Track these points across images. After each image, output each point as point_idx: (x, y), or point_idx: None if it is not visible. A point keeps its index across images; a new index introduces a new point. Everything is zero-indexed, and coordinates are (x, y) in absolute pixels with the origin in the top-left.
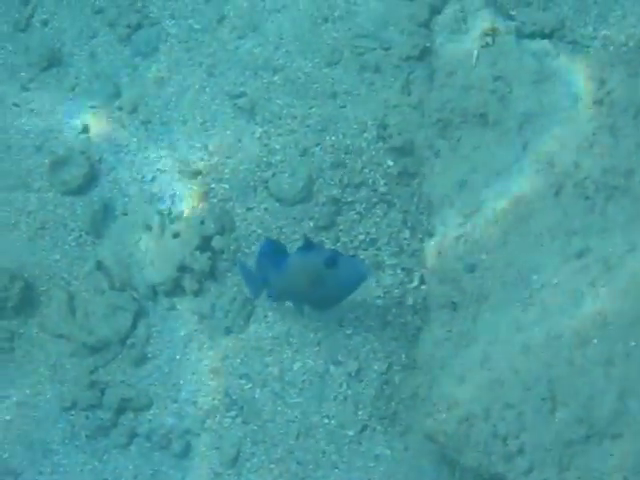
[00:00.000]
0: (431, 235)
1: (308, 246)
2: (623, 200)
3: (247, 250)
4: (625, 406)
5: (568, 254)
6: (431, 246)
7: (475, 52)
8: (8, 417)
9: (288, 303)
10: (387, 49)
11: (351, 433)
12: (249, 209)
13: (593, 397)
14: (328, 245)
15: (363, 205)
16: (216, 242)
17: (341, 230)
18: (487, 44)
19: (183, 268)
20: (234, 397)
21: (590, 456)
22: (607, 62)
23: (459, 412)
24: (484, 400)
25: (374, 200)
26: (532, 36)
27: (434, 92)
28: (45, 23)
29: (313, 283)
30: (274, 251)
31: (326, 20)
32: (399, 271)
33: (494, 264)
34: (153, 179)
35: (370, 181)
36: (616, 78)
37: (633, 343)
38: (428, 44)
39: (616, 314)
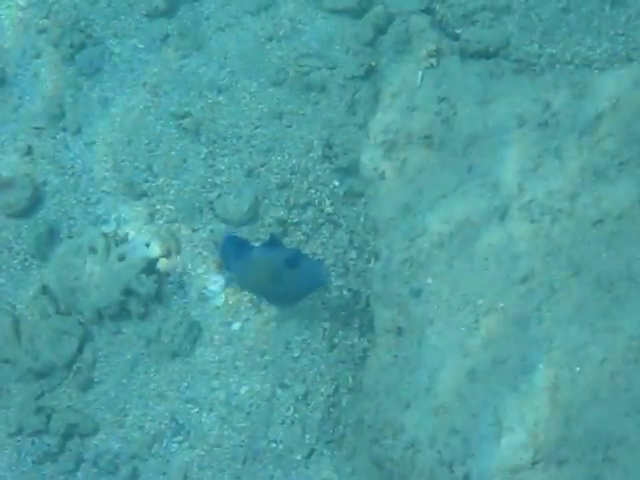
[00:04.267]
0: (377, 258)
1: (273, 243)
2: (568, 223)
3: (193, 273)
4: (570, 431)
5: (513, 278)
6: (377, 270)
7: (420, 73)
8: None
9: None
10: (332, 68)
11: (298, 457)
12: (195, 230)
13: (539, 423)
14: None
15: (309, 226)
16: (162, 265)
17: None
18: (431, 65)
19: (129, 291)
20: (181, 422)
21: None
22: (552, 83)
23: (405, 438)
24: (430, 426)
25: (320, 221)
26: (476, 55)
27: (379, 113)
28: None
29: (272, 279)
30: (238, 244)
31: (271, 39)
32: (345, 292)
33: (440, 288)
34: (98, 201)
35: (316, 201)
36: (561, 100)
37: (578, 368)
38: (373, 63)
39: (561, 339)
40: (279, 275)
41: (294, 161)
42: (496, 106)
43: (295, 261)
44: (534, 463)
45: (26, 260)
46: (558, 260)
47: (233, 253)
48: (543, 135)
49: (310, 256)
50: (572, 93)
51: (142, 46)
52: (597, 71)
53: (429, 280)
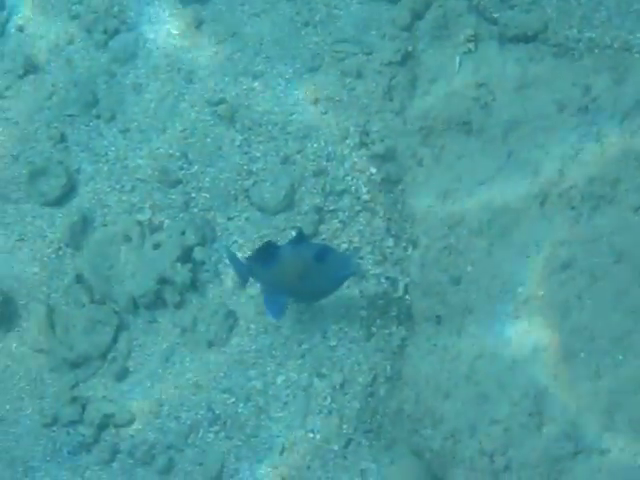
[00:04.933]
0: (415, 245)
1: (300, 239)
2: (609, 210)
3: (229, 261)
4: (612, 421)
5: (554, 265)
6: (415, 258)
7: (457, 58)
8: None
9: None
10: (369, 54)
11: (336, 447)
12: (230, 219)
13: (581, 412)
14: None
15: (346, 213)
16: (197, 253)
17: (324, 239)
18: (469, 50)
19: (164, 280)
20: (217, 411)
21: (578, 472)
22: (592, 68)
23: (444, 428)
24: (470, 416)
25: (357, 208)
26: (515, 40)
27: (416, 99)
28: (21, 29)
29: (301, 276)
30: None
31: (306, 24)
32: (383, 280)
33: (479, 276)
34: (132, 189)
35: (353, 189)
36: (601, 84)
37: (620, 357)
38: (410, 48)
39: (603, 327)
40: (309, 272)
41: (330, 148)
42: (535, 91)
43: (324, 256)
44: (576, 453)
45: (60, 249)
46: (599, 247)
47: (259, 255)
48: (583, 120)
49: (338, 249)
50: (612, 78)
51: (176, 32)
52: (637, 55)
53: (468, 268)
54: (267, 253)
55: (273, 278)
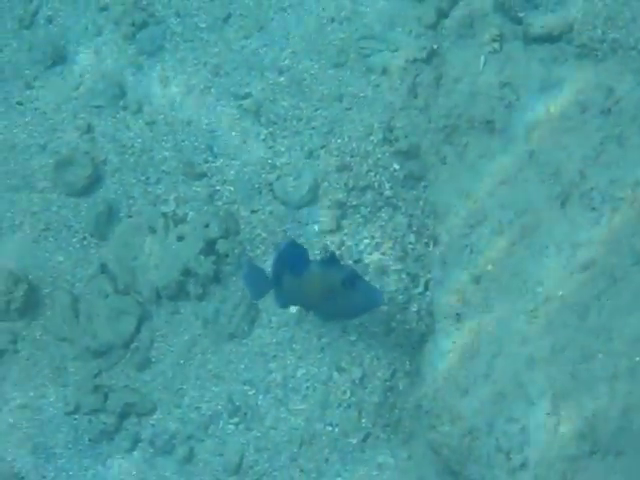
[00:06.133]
0: (436, 242)
1: (331, 261)
2: (629, 211)
3: (251, 254)
4: (629, 422)
5: (574, 266)
6: (436, 255)
7: (482, 58)
8: (11, 420)
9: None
10: (394, 51)
11: (354, 441)
12: (254, 212)
13: (597, 413)
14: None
15: (368, 209)
16: (220, 245)
17: (346, 234)
18: (494, 50)
19: (187, 272)
20: (237, 403)
21: (593, 472)
22: (615, 70)
23: (462, 425)
24: (488, 413)
25: (379, 204)
26: (540, 40)
27: (441, 98)
28: (50, 20)
29: (326, 297)
30: (294, 254)
31: (332, 20)
32: (404, 276)
33: (499, 275)
34: (158, 181)
35: (376, 184)
36: (625, 87)
37: (638, 358)
38: (436, 46)
39: (621, 328)
40: (334, 294)
41: (354, 144)
42: (559, 92)
43: (352, 282)
44: (592, 453)
45: (85, 239)
46: (619, 249)
47: (286, 265)
48: (606, 122)
49: (366, 279)
50: (636, 80)
51: (204, 25)
52: None
53: (489, 267)
54: (297, 259)
55: (296, 289)
